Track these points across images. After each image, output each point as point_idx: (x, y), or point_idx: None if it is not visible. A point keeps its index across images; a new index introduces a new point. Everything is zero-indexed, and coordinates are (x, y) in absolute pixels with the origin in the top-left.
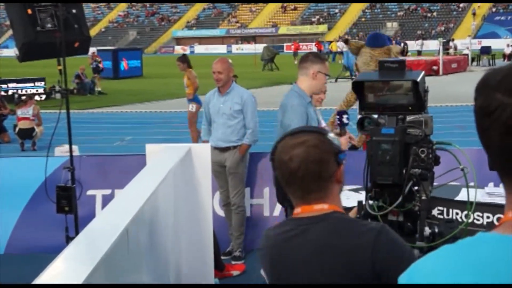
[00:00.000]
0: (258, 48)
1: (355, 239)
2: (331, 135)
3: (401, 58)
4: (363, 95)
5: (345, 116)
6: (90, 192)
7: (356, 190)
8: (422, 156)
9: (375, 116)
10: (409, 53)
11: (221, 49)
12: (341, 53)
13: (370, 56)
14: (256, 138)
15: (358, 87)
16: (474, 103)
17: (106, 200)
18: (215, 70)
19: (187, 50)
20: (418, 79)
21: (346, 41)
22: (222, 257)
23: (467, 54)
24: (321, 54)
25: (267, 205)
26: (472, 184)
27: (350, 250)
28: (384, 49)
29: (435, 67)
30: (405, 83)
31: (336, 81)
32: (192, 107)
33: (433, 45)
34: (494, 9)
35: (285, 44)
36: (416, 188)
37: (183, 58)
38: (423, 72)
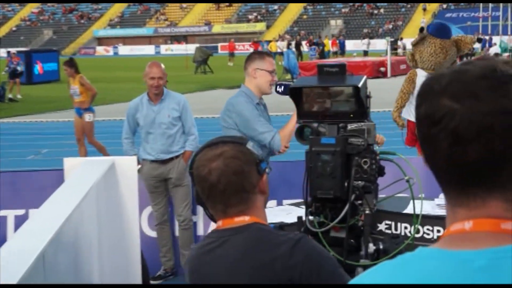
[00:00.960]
0: (189, 48)
1: (273, 249)
2: (250, 143)
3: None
4: (301, 102)
5: (277, 86)
6: (0, 213)
7: (298, 205)
8: (365, 167)
9: (315, 124)
10: (354, 54)
11: (148, 50)
12: (281, 53)
13: (440, 47)
14: (198, 144)
15: (296, 94)
16: (416, 111)
17: (19, 221)
18: (154, 75)
19: (110, 51)
20: (360, 85)
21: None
22: (152, 282)
23: None
24: (264, 52)
25: (201, 222)
26: (419, 195)
27: (268, 261)
28: (453, 40)
29: (382, 69)
30: (345, 89)
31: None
32: (90, 117)
33: (380, 44)
34: (444, 6)
35: (219, 44)
36: (359, 202)
37: (71, 62)
38: (364, 77)
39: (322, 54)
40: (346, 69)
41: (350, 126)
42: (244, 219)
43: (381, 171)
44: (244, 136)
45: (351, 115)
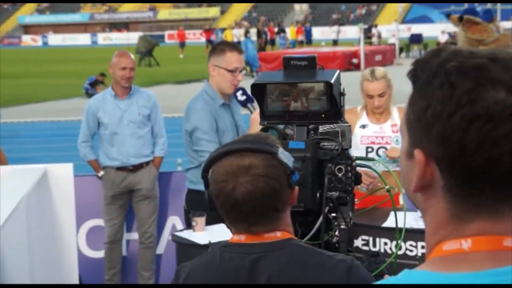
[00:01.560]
0: (131, 37)
1: (327, 273)
2: (282, 151)
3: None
4: (265, 101)
5: (239, 93)
6: None
7: None
8: (339, 176)
9: (281, 126)
10: (323, 43)
11: (84, 39)
12: (238, 43)
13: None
14: (167, 149)
15: (259, 91)
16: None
17: None
18: (126, 65)
19: (38, 41)
20: (332, 80)
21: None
22: None
23: (394, 44)
24: (230, 43)
25: (165, 239)
26: (401, 206)
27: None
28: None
29: (355, 60)
30: (316, 85)
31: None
32: None
33: (352, 32)
34: None
35: (166, 33)
36: (333, 215)
37: None
38: (337, 72)
39: (265, 44)
40: (316, 62)
41: (321, 128)
42: (276, 235)
43: (357, 180)
44: (273, 136)
45: (323, 115)
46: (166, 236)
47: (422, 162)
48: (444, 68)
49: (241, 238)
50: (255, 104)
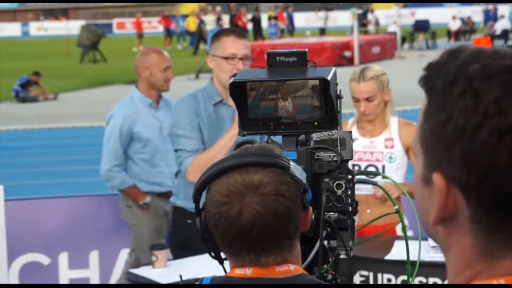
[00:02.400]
0: (72, 27)
1: None
2: (294, 166)
3: (292, 43)
4: (245, 104)
5: None
6: None
7: None
8: (338, 193)
9: (265, 136)
10: (307, 32)
11: (12, 29)
12: (201, 33)
13: None
14: None
15: (237, 92)
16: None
17: None
18: (168, 64)
19: None
20: (329, 77)
21: None
22: None
23: (395, 32)
24: (230, 28)
25: (96, 277)
26: (410, 233)
27: None
28: None
29: (347, 53)
30: (308, 83)
31: (197, 77)
32: None
33: (343, 18)
34: None
35: (114, 21)
36: (331, 242)
37: None
38: (333, 69)
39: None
40: (307, 58)
41: (316, 136)
42: (289, 269)
43: (355, 204)
44: (278, 148)
45: (316, 123)
46: (117, 272)
47: (442, 188)
48: (465, 72)
49: (247, 272)
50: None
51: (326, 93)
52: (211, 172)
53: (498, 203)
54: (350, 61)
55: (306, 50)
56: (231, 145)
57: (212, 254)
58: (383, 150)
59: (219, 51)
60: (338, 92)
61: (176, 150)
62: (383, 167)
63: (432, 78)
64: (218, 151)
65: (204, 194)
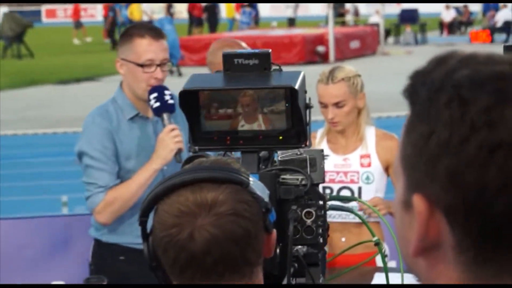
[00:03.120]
0: None
1: None
2: (254, 181)
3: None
4: (197, 116)
5: (152, 96)
6: None
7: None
8: (308, 223)
9: (221, 153)
10: (274, 23)
11: None
12: (150, 23)
13: None
14: None
15: (189, 101)
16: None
17: None
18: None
19: None
20: (297, 85)
21: None
22: None
23: (377, 24)
24: (142, 25)
25: None
26: (393, 264)
27: None
28: None
29: (321, 49)
30: (272, 92)
31: None
32: None
33: (316, 7)
34: None
35: (43, 8)
36: (299, 280)
37: None
38: (302, 74)
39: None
40: (271, 60)
41: (281, 155)
42: None
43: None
44: (238, 161)
45: (281, 138)
46: None
47: (424, 212)
48: (452, 79)
49: None
50: (177, 116)
51: (293, 103)
52: (158, 190)
53: (488, 231)
54: (324, 58)
55: (270, 51)
56: (150, 182)
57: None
58: (359, 169)
59: (132, 55)
60: (307, 101)
61: (85, 183)
62: (359, 189)
63: (417, 86)
64: (135, 191)
65: (151, 215)
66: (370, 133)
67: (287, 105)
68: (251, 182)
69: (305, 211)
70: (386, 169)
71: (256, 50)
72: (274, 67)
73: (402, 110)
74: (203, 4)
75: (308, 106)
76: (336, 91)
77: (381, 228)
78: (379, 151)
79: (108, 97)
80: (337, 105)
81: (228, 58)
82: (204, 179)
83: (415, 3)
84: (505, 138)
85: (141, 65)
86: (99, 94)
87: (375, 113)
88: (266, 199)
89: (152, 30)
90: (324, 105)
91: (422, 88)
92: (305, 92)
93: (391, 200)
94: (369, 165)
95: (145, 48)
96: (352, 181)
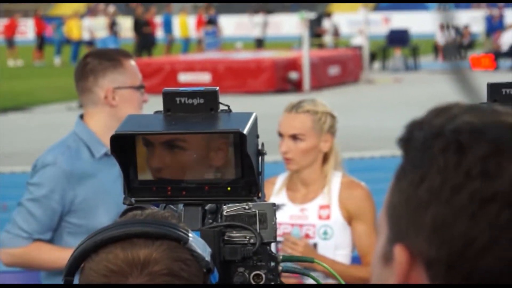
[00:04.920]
0: None
1: None
2: (194, 237)
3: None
4: (133, 162)
5: None
6: None
7: None
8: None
9: (161, 205)
10: (239, 44)
11: None
12: (91, 43)
13: None
14: None
15: (123, 146)
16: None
17: None
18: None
19: None
20: (246, 130)
21: None
22: None
23: (361, 47)
24: (121, 49)
25: None
26: None
27: None
28: None
29: (294, 75)
30: (219, 137)
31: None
32: None
33: (288, 25)
34: None
35: None
36: None
37: None
38: (253, 116)
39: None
40: (218, 99)
41: (227, 209)
42: None
43: None
44: (178, 215)
45: (229, 189)
46: None
47: (404, 263)
48: (452, 123)
49: None
50: None
51: (242, 150)
52: (86, 246)
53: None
54: (297, 86)
55: (217, 89)
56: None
57: None
58: (316, 222)
59: (127, 80)
60: (260, 147)
61: (14, 218)
62: (315, 246)
63: (413, 133)
64: (57, 265)
65: (78, 275)
66: (335, 180)
67: (235, 152)
68: (190, 239)
69: (253, 274)
70: (350, 222)
71: (201, 88)
72: (222, 107)
73: (387, 148)
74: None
75: (260, 153)
76: (295, 121)
77: None
78: (342, 200)
79: (43, 130)
80: (293, 137)
81: (169, 97)
82: (136, 235)
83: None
84: (500, 190)
85: (138, 88)
86: (30, 126)
87: (355, 152)
88: (208, 258)
89: (124, 51)
90: (281, 136)
91: (419, 133)
92: (257, 137)
93: (332, 259)
94: (328, 217)
95: (136, 69)
96: (307, 236)
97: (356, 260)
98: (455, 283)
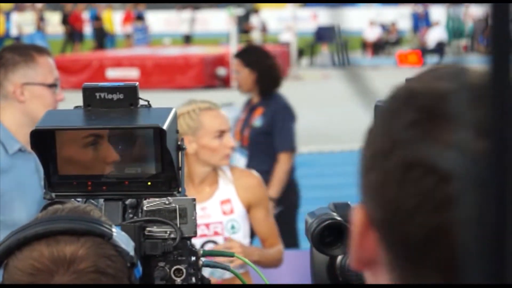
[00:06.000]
0: None
1: None
2: (117, 232)
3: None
4: (53, 159)
5: None
6: None
7: None
8: (177, 281)
9: (79, 200)
10: (166, 40)
11: None
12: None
13: None
14: None
15: (43, 141)
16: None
17: None
18: None
19: None
20: (165, 125)
21: None
22: None
23: (288, 43)
24: (27, 45)
25: None
26: None
27: None
28: None
29: (222, 71)
30: (138, 132)
31: None
32: None
33: (217, 21)
34: None
35: None
36: None
37: None
38: (173, 111)
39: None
40: (137, 94)
41: (147, 204)
42: None
43: None
44: (97, 210)
45: (149, 184)
46: None
47: (359, 224)
48: (396, 89)
49: None
50: None
51: (162, 145)
52: (9, 243)
53: (407, 251)
54: (225, 82)
55: (136, 84)
56: None
57: None
58: (222, 218)
59: (39, 77)
60: (180, 142)
61: None
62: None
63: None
64: None
65: (1, 272)
66: (225, 172)
67: (155, 147)
68: (114, 234)
69: (174, 268)
70: (248, 210)
71: (121, 84)
72: (142, 102)
73: (315, 143)
74: (86, 15)
75: (180, 148)
76: (226, 115)
77: (250, 277)
78: (240, 191)
79: None
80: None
81: (88, 92)
82: (60, 231)
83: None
84: (423, 157)
85: (50, 85)
86: None
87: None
88: (131, 252)
89: (39, 47)
90: (221, 134)
91: (379, 103)
92: (177, 132)
93: (250, 246)
94: (231, 211)
95: (51, 67)
96: (216, 233)
97: None
98: (395, 245)
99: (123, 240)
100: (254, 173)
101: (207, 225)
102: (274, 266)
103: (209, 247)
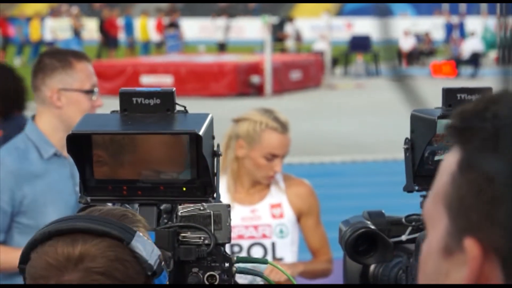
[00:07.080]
0: None
1: None
2: (139, 236)
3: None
4: (90, 162)
5: None
6: None
7: None
8: None
9: (111, 205)
10: (201, 47)
11: None
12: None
13: None
14: None
15: (79, 145)
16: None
17: None
18: None
19: None
20: (202, 131)
21: None
22: None
23: (323, 52)
24: (67, 50)
25: None
26: None
27: None
28: None
29: (256, 79)
30: (175, 137)
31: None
32: None
33: (251, 29)
34: None
35: None
36: None
37: None
38: (209, 117)
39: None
40: (175, 100)
41: (182, 210)
42: None
43: None
44: (137, 214)
45: (184, 189)
46: None
47: (478, 257)
48: None
49: None
50: None
51: (198, 151)
52: (37, 236)
53: None
54: (259, 91)
55: (173, 89)
56: None
57: None
58: (271, 221)
59: (75, 83)
60: (216, 148)
61: None
62: (273, 245)
63: (473, 122)
64: (11, 266)
65: None
66: (278, 178)
67: (191, 152)
68: (134, 238)
69: (207, 274)
70: (299, 219)
71: (158, 89)
72: (179, 108)
73: (347, 153)
74: (122, 22)
75: (216, 154)
76: (288, 143)
77: None
78: (291, 198)
79: None
80: (283, 156)
81: (126, 97)
82: (80, 229)
83: None
84: None
85: (88, 92)
86: None
87: (315, 157)
88: (153, 261)
89: (80, 53)
90: (271, 157)
91: (483, 123)
92: (213, 138)
93: (295, 262)
94: (281, 215)
95: (89, 73)
96: (264, 236)
97: None
98: None
99: (145, 246)
100: (306, 181)
101: (255, 227)
102: (323, 277)
103: (255, 249)
